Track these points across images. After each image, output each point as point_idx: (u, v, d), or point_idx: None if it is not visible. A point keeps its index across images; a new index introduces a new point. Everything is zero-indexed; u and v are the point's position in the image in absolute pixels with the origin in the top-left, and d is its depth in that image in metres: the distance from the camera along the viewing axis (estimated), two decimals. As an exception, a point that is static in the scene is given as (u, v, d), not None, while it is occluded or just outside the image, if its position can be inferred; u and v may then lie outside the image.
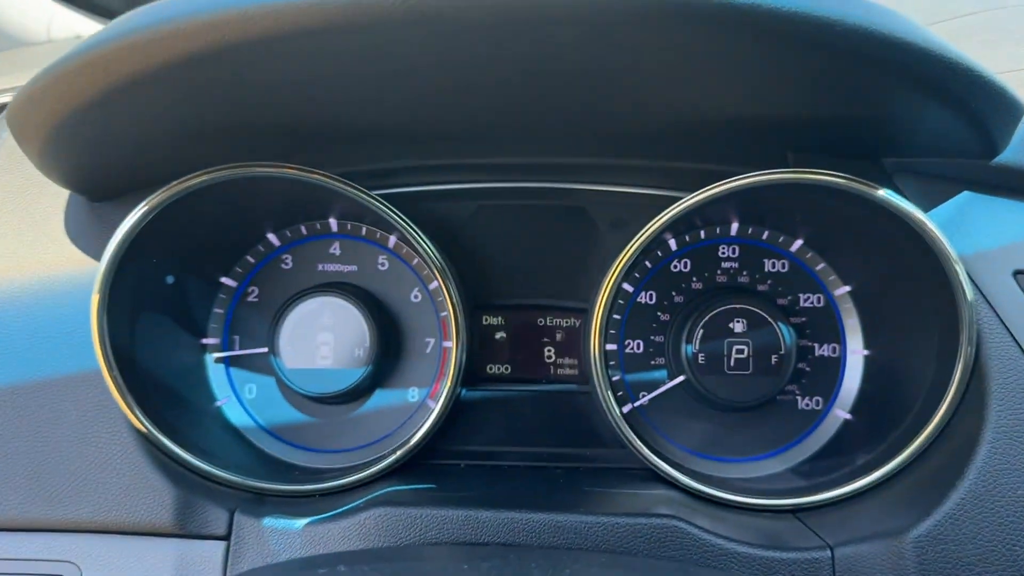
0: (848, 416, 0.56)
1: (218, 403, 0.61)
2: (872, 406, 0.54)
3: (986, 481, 0.41)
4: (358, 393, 0.59)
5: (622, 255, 0.52)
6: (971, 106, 0.41)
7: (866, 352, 0.56)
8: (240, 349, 0.60)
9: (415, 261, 0.60)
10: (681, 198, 0.52)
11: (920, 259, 0.48)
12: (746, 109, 0.47)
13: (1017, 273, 0.45)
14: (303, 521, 0.48)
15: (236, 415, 0.61)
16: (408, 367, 0.61)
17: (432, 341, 0.61)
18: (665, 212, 0.50)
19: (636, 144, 0.55)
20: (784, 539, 0.45)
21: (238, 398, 0.61)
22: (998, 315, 0.44)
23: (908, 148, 0.48)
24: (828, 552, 0.43)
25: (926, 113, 0.43)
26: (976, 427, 0.43)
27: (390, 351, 0.60)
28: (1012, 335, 0.43)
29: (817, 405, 0.58)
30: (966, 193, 0.49)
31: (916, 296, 0.50)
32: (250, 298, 0.61)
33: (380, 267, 0.61)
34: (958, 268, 0.46)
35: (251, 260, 0.61)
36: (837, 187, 0.47)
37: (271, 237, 0.60)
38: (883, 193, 0.47)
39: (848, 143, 0.49)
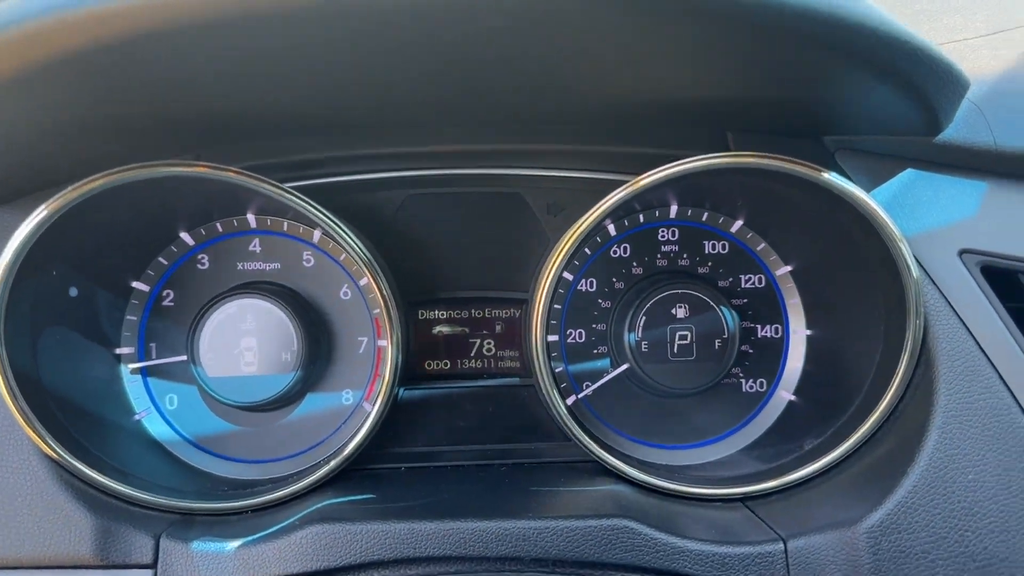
0: (792, 397, 0.56)
1: (137, 416, 0.57)
2: (817, 387, 0.54)
3: (937, 467, 0.41)
4: (288, 399, 0.56)
5: (563, 243, 0.51)
6: (915, 83, 0.40)
7: (809, 332, 0.56)
8: (157, 358, 0.56)
9: (343, 256, 0.57)
10: (618, 181, 0.50)
11: (864, 239, 0.47)
12: (683, 92, 0.45)
13: (963, 252, 0.44)
14: (235, 543, 0.45)
15: (157, 428, 0.57)
16: (340, 369, 0.58)
17: (365, 340, 0.58)
18: (606, 199, 0.49)
19: (571, 129, 0.52)
20: (736, 532, 0.44)
21: (159, 410, 0.57)
22: (944, 295, 0.44)
23: (850, 126, 0.48)
24: (781, 545, 0.42)
25: (868, 91, 0.42)
26: (925, 411, 0.43)
27: (320, 353, 0.57)
28: (958, 315, 0.43)
29: (761, 387, 0.58)
30: (910, 171, 0.48)
31: (860, 276, 0.49)
32: (165, 302, 0.57)
33: (305, 264, 0.58)
34: (903, 247, 0.45)
35: (164, 262, 0.57)
36: (780, 170, 0.46)
37: (185, 236, 0.56)
38: (827, 176, 0.46)
39: (789, 122, 0.48)
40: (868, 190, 0.48)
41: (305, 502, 0.50)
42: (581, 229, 0.51)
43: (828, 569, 0.42)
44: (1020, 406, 0.42)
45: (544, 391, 0.53)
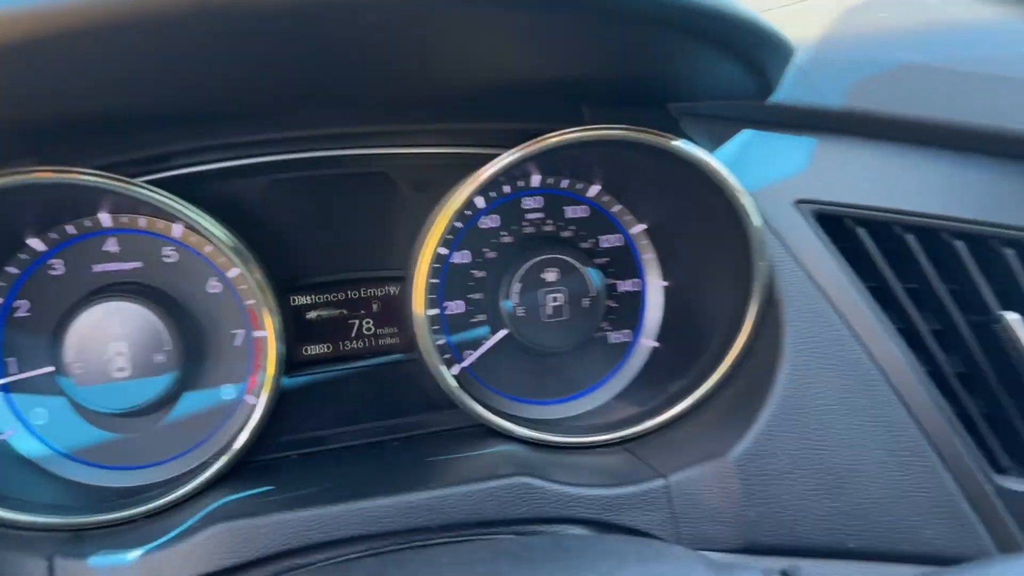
0: (655, 344, 0.61)
1: (2, 437, 0.54)
2: (677, 333, 0.59)
3: (789, 397, 0.47)
4: (166, 401, 0.54)
5: (437, 220, 0.52)
6: (747, 54, 0.45)
7: (665, 284, 0.60)
8: (19, 373, 0.53)
9: (208, 249, 0.55)
10: (482, 156, 0.52)
11: (709, 195, 0.52)
12: (532, 74, 0.47)
13: (798, 202, 0.50)
14: (136, 552, 0.44)
15: (27, 446, 0.54)
16: (218, 364, 0.56)
17: (241, 332, 0.57)
18: (475, 176, 0.50)
19: (433, 107, 0.54)
20: (621, 475, 0.48)
21: (27, 427, 0.54)
22: (783, 242, 0.49)
23: (691, 94, 0.52)
24: (663, 481, 0.47)
25: (706, 63, 0.46)
26: (775, 348, 0.48)
27: (195, 351, 0.55)
28: (797, 259, 0.48)
29: (627, 337, 0.62)
30: (746, 131, 0.53)
31: (708, 229, 0.54)
32: (20, 313, 0.53)
33: (167, 260, 0.55)
34: (744, 200, 0.50)
35: (13, 271, 0.53)
36: (630, 140, 0.50)
37: (33, 242, 0.52)
38: (674, 143, 0.50)
39: (636, 94, 0.52)
40: (710, 151, 0.53)
41: (201, 502, 0.50)
42: (455, 207, 0.53)
43: (706, 497, 0.47)
44: (856, 336, 0.48)
45: (429, 363, 0.55)
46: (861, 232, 0.50)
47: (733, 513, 0.45)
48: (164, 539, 0.47)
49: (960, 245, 0.50)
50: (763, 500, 0.46)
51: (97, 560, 0.45)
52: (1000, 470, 0.48)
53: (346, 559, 0.43)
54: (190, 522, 0.48)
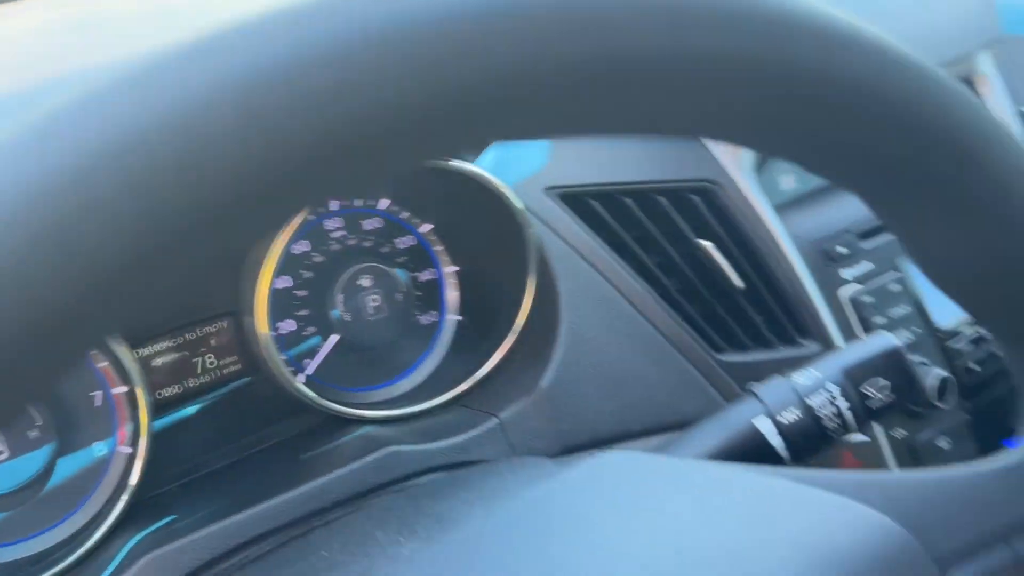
0: (459, 318, 0.74)
1: None
2: (475, 307, 0.72)
3: (571, 335, 0.61)
4: (46, 471, 0.57)
5: (270, 254, 0.60)
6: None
7: (456, 269, 0.73)
8: None
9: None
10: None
11: (479, 194, 0.65)
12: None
13: (547, 189, 0.64)
14: None
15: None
16: (86, 426, 0.60)
17: (99, 393, 0.61)
18: (292, 222, 0.59)
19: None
20: (465, 424, 0.61)
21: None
22: (545, 223, 0.64)
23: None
24: (496, 419, 0.60)
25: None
26: (554, 302, 0.62)
27: (62, 419, 0.59)
28: (555, 232, 0.63)
29: (435, 317, 0.74)
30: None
31: (484, 221, 0.67)
32: None
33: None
34: (506, 192, 0.63)
35: None
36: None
37: None
38: (441, 162, 0.62)
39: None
40: (472, 161, 0.66)
41: (114, 545, 0.55)
42: (284, 240, 0.61)
43: (529, 423, 0.60)
44: (608, 281, 0.64)
45: (280, 375, 0.63)
46: (595, 204, 0.66)
47: (551, 429, 0.60)
48: None
49: (663, 200, 0.67)
50: (570, 414, 0.61)
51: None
52: (718, 349, 0.67)
53: (266, 552, 0.52)
54: (116, 562, 0.53)
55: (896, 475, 0.35)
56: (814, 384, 0.44)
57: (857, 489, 0.32)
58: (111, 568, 0.51)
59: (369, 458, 0.61)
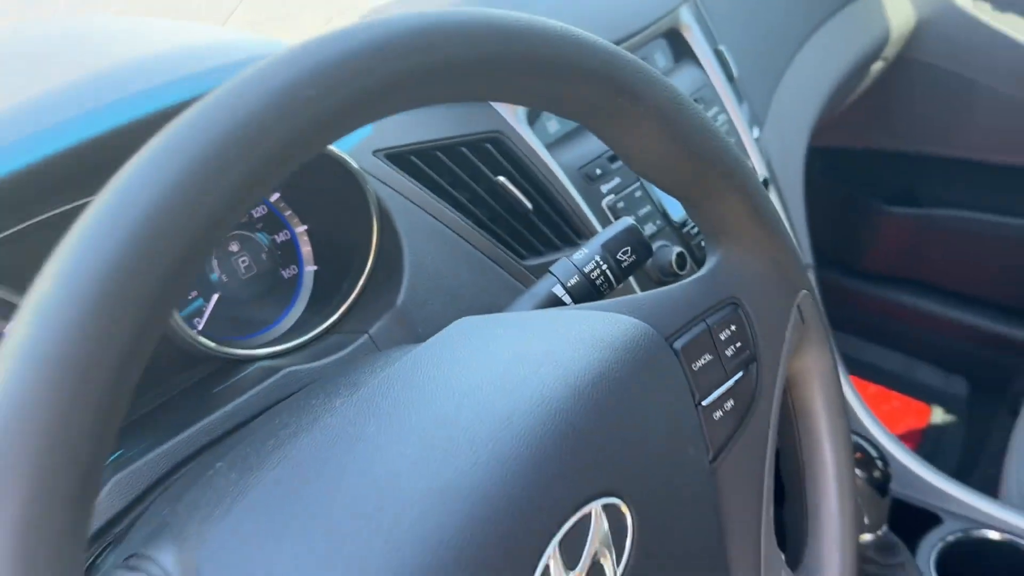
0: (315, 267, 0.88)
1: None
2: (327, 259, 0.86)
3: (414, 261, 0.78)
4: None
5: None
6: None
7: (305, 227, 0.87)
8: None
9: None
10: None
11: (319, 161, 0.79)
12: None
13: (374, 152, 0.80)
14: None
15: None
16: None
17: None
18: None
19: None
20: (343, 344, 0.76)
21: None
22: (380, 180, 0.80)
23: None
24: (367, 335, 0.76)
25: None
26: (398, 248, 0.78)
27: None
28: (396, 190, 0.79)
29: (295, 271, 0.88)
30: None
31: (326, 181, 0.81)
32: None
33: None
34: (344, 157, 0.78)
35: None
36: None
37: None
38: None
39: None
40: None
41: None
42: None
43: (393, 333, 0.77)
44: (438, 219, 0.81)
45: (181, 331, 0.74)
46: (414, 159, 0.82)
47: (411, 335, 0.77)
48: None
49: (465, 150, 0.85)
50: (422, 322, 0.79)
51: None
52: (523, 257, 0.85)
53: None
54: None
55: (642, 294, 0.55)
56: (585, 257, 0.65)
57: (617, 307, 0.53)
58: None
59: (271, 379, 0.75)
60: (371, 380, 0.51)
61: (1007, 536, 1.01)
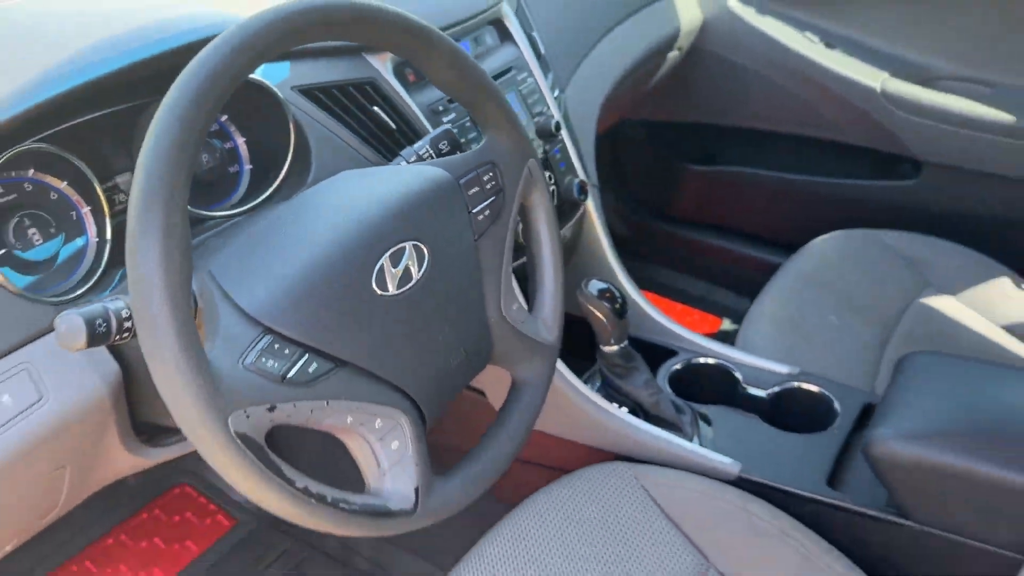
0: (250, 166, 1.30)
1: None
2: (259, 160, 1.27)
3: (320, 168, 1.21)
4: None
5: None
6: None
7: (244, 139, 1.28)
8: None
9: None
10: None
11: (255, 91, 1.21)
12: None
13: (291, 88, 1.22)
14: None
15: None
16: (73, 229, 1.09)
17: (76, 210, 1.09)
18: None
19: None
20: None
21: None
22: (297, 107, 1.22)
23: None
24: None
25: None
26: (307, 153, 1.09)
27: (66, 225, 1.06)
28: (308, 115, 1.20)
29: (237, 168, 1.29)
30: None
31: (260, 108, 1.23)
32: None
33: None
34: (272, 88, 1.20)
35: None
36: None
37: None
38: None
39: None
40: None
41: (102, 284, 1.06)
42: None
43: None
44: (348, 145, 1.20)
45: None
46: (317, 93, 1.17)
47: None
48: None
49: (351, 88, 1.27)
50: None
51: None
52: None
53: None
54: (112, 287, 1.04)
55: (445, 158, 1.03)
56: (419, 145, 1.11)
57: (432, 164, 0.99)
58: (110, 288, 1.02)
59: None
60: (290, 201, 0.97)
61: (718, 360, 1.54)
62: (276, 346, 0.69)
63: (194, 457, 0.86)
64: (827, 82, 1.82)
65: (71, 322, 0.65)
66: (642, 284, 1.47)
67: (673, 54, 1.98)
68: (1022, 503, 0.92)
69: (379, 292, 0.77)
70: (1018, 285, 1.72)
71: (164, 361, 0.61)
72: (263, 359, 0.68)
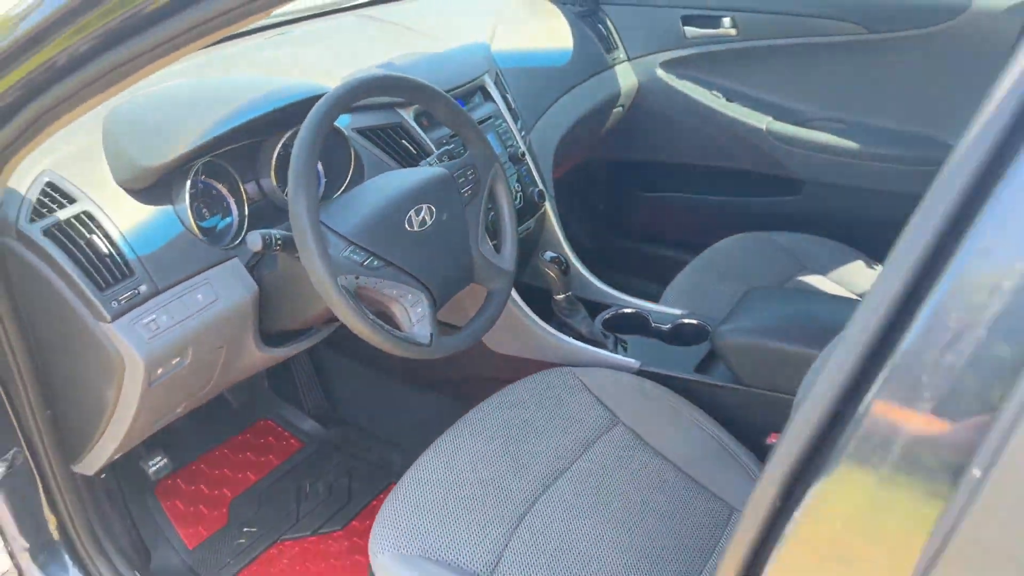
0: (325, 179, 2.02)
1: None
2: (332, 175, 2.01)
3: (371, 175, 1.95)
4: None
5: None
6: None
7: (322, 163, 2.01)
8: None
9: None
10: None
11: (336, 134, 1.95)
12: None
13: (352, 128, 1.96)
14: None
15: None
16: (222, 210, 1.82)
17: (230, 203, 1.83)
18: None
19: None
20: (341, 199, 1.91)
21: None
22: (357, 142, 1.96)
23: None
24: (351, 196, 1.91)
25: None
26: (361, 169, 1.96)
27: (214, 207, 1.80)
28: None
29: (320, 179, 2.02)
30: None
31: (337, 144, 1.97)
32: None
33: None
34: (341, 129, 1.94)
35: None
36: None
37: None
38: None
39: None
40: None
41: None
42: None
43: None
44: (382, 159, 1.97)
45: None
46: (368, 132, 1.99)
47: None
48: None
49: (389, 130, 2.03)
50: (372, 193, 1.94)
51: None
52: None
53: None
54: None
55: (446, 163, 1.76)
56: (432, 159, 1.85)
57: (438, 165, 1.73)
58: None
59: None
60: (355, 188, 1.70)
61: (637, 309, 2.23)
62: (356, 250, 1.40)
63: (279, 398, 1.67)
64: (729, 125, 2.49)
65: (253, 236, 1.37)
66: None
67: (617, 110, 2.65)
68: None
69: (408, 229, 1.47)
70: (870, 266, 2.41)
71: (308, 253, 1.32)
72: (351, 254, 1.39)
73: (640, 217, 2.81)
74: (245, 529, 1.78)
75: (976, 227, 0.44)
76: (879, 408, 0.48)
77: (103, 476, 1.59)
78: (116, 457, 1.40)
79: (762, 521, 0.53)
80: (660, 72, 2.62)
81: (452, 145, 1.68)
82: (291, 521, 1.83)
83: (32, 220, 1.18)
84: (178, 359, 1.33)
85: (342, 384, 2.16)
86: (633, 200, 2.82)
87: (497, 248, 1.61)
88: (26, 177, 1.23)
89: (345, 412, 2.13)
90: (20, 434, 1.32)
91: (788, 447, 0.52)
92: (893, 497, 0.48)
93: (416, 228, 1.42)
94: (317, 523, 1.80)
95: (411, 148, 1.71)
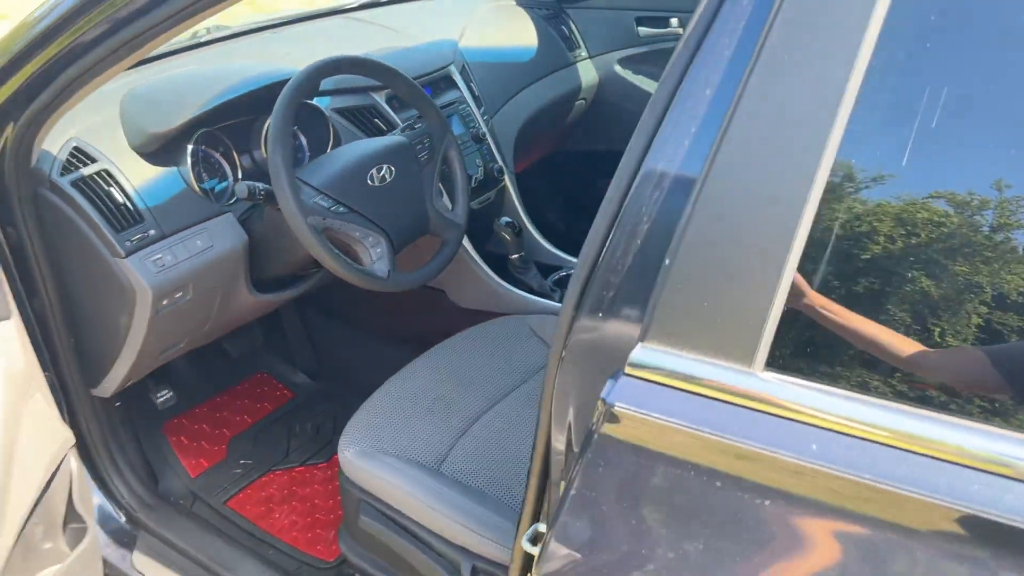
0: (310, 153, 2.34)
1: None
2: (315, 146, 2.33)
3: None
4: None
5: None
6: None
7: (304, 139, 2.34)
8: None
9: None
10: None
11: (314, 112, 2.27)
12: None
13: (331, 109, 2.28)
14: None
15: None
16: (221, 174, 2.14)
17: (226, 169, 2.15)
18: None
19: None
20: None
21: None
22: (335, 120, 2.28)
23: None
24: (329, 166, 2.23)
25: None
26: (339, 142, 2.28)
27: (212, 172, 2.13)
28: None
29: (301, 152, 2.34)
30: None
31: (316, 121, 2.29)
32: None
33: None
34: (321, 108, 2.27)
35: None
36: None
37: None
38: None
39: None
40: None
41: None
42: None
43: None
44: (357, 133, 2.29)
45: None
46: (345, 112, 2.31)
47: None
48: None
49: (363, 109, 2.35)
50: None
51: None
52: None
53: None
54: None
55: (407, 132, 2.09)
56: (396, 130, 2.17)
57: (399, 134, 2.05)
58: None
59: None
60: (331, 151, 2.02)
61: None
62: (324, 198, 1.72)
63: (274, 354, 2.01)
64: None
65: (241, 186, 1.69)
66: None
67: (580, 102, 2.94)
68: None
69: (370, 184, 1.78)
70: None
71: (283, 195, 1.62)
72: (320, 200, 1.71)
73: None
74: (242, 461, 2.09)
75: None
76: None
77: (118, 404, 1.88)
78: (128, 384, 1.67)
79: None
80: (618, 68, 2.87)
81: (417, 124, 1.97)
82: (282, 455, 2.13)
83: (62, 174, 1.49)
84: (180, 293, 1.61)
85: (329, 342, 2.49)
86: (597, 188, 3.08)
87: (451, 202, 1.80)
88: (57, 141, 1.51)
89: (331, 366, 2.45)
90: (49, 360, 1.56)
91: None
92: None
93: (377, 183, 1.67)
94: (304, 456, 2.11)
95: (382, 125, 2.00)
